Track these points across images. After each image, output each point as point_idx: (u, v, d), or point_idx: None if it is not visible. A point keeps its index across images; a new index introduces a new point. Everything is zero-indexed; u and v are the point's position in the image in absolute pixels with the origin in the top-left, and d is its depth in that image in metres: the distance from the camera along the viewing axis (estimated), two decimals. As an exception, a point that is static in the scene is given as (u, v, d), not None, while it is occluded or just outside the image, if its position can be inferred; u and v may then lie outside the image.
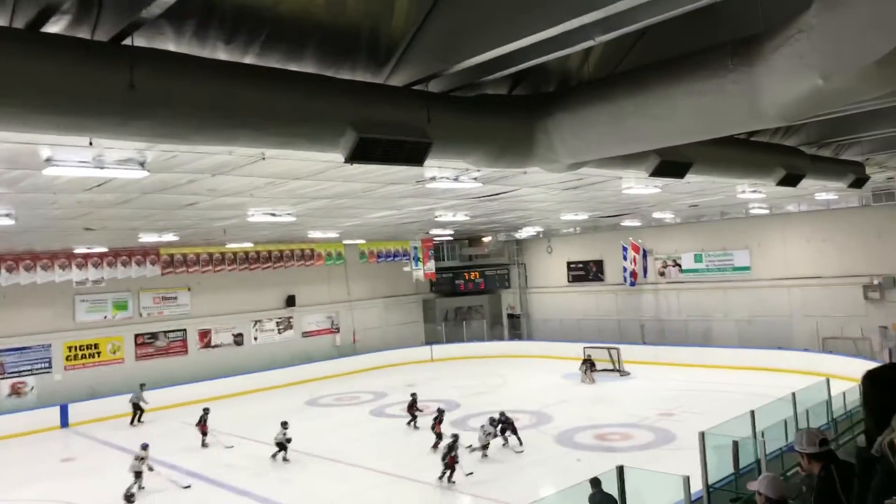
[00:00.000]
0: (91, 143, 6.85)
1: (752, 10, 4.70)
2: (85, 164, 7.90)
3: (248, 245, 27.13)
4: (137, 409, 23.50)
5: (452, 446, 14.74)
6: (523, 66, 5.34)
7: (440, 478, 14.72)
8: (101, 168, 8.07)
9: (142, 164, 8.35)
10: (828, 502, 4.07)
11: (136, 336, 26.99)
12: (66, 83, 4.06)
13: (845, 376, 19.53)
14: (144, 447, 15.72)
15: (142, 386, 24.25)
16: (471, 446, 16.42)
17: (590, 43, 4.74)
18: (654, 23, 4.50)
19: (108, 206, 13.00)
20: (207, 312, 28.87)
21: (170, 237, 20.56)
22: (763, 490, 5.47)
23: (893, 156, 13.35)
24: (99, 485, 16.42)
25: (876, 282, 25.12)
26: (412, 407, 20.73)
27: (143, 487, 15.14)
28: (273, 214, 15.86)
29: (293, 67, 5.24)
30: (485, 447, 16.54)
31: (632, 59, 6.31)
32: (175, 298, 28.07)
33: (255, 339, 30.46)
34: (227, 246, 26.62)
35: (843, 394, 15.19)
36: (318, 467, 16.76)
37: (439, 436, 17.32)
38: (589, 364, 26.37)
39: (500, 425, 17.19)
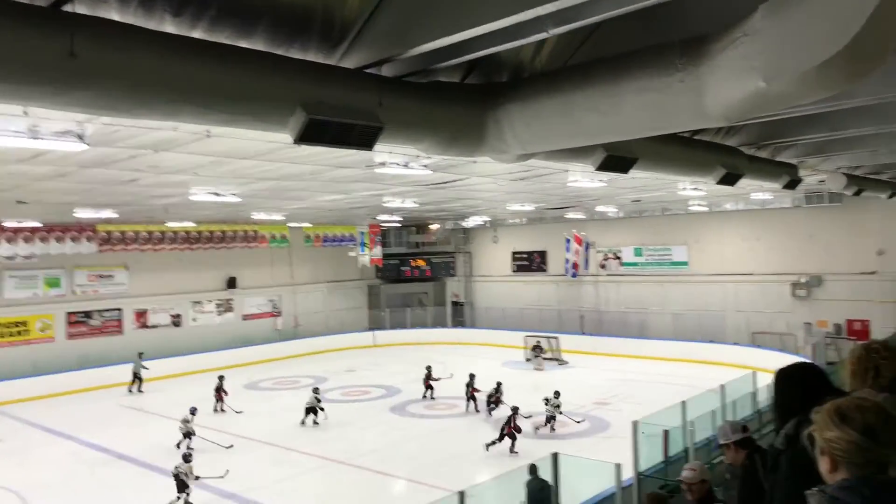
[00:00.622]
0: (26, 113, 6.57)
1: (703, 9, 4.82)
2: (19, 134, 7.56)
3: (189, 224, 26.46)
4: (137, 378, 24.28)
5: (513, 416, 15.93)
6: (477, 55, 5.35)
7: (490, 445, 15.71)
8: (37, 139, 7.74)
9: (80, 137, 8.05)
10: (751, 489, 4.25)
11: (69, 314, 26.07)
12: (2, 48, 3.87)
13: (771, 370, 20.35)
14: (193, 412, 16.81)
15: (140, 354, 24.81)
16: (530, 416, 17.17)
17: (543, 35, 4.78)
18: (608, 18, 4.57)
19: (44, 179, 12.49)
20: (145, 292, 28.09)
21: (108, 213, 19.90)
22: (687, 479, 5.71)
23: (825, 160, 13.92)
24: (25, 466, 15.87)
25: (803, 280, 26.26)
26: (428, 378, 21.78)
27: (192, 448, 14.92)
28: (217, 194, 15.52)
29: (243, 44, 5.12)
30: (550, 419, 17.58)
31: (584, 54, 6.39)
32: (111, 277, 27.20)
33: (194, 320, 29.83)
34: (167, 224, 25.91)
35: (769, 386, 15.84)
36: (255, 451, 16.57)
37: (472, 398, 19.83)
38: (539, 350, 26.77)
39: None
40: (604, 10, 4.38)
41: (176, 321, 29.24)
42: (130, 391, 24.05)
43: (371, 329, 34.93)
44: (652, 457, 11.11)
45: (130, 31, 4.42)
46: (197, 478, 12.99)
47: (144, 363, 24.63)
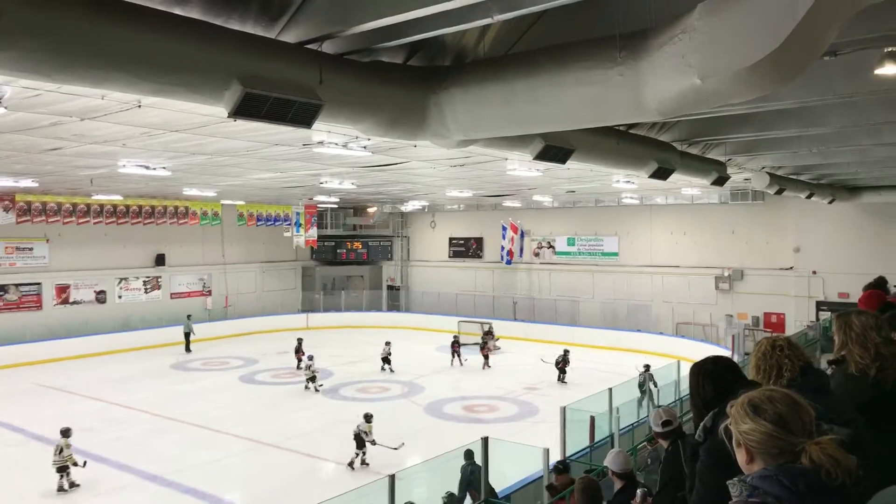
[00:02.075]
0: (-63, 71, 6.14)
1: (644, 4, 4.91)
2: (-72, 94, 7.10)
3: (116, 198, 25.43)
4: (187, 338, 26.82)
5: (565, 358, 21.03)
6: (420, 37, 5.31)
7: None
8: (-52, 100, 7.29)
9: (-2, 100, 7.61)
10: (673, 473, 4.41)
11: (-18, 288, 24.77)
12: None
13: (693, 359, 21.17)
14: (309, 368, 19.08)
15: (189, 317, 27.67)
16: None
17: (487, 20, 4.77)
18: (552, 7, 4.60)
19: (-45, 143, 11.78)
20: (67, 266, 26.90)
21: (28, 183, 18.90)
22: (610, 465, 5.92)
23: (752, 158, 14.49)
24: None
25: (726, 274, 27.37)
26: (455, 344, 24.21)
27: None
28: (146, 167, 14.97)
29: (178, 12, 4.93)
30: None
31: (527, 42, 6.42)
32: (31, 249, 25.94)
33: (120, 297, 28.81)
34: (93, 197, 24.84)
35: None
36: (181, 433, 16.18)
37: (486, 357, 23.67)
38: (490, 336, 26.61)
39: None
40: (548, -1, 4.40)
41: (100, 298, 28.16)
42: (188, 350, 26.64)
43: (304, 311, 34.48)
44: (579, 441, 11.39)
45: (56, -11, 4.18)
46: (373, 442, 13.58)
47: (193, 325, 27.27)
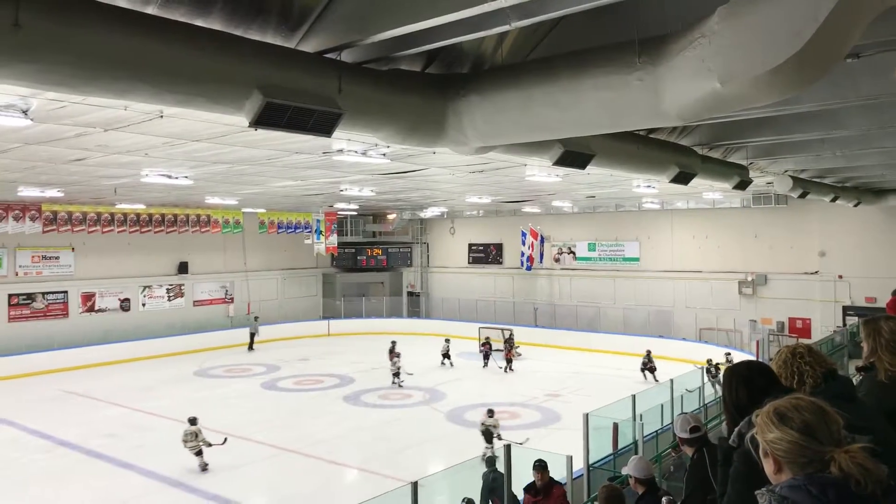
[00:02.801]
0: (-34, 85, 6.28)
1: (662, 9, 4.89)
2: (-42, 107, 7.26)
3: (139, 206, 25.78)
4: (252, 338, 28.89)
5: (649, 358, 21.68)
6: (439, 45, 5.33)
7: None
8: (-23, 112, 7.43)
9: (25, 112, 7.75)
10: (699, 482, 4.36)
11: (10, 296, 25.18)
12: (-60, 15, 3.68)
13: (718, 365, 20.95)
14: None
15: (256, 318, 29.96)
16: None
17: (505, 27, 4.78)
18: (570, 13, 4.59)
19: (-17, 155, 12.01)
20: (92, 275, 27.28)
21: (53, 192, 19.23)
22: (632, 472, 5.87)
23: (774, 162, 14.32)
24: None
25: (750, 278, 27.03)
26: (486, 345, 24.94)
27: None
28: (169, 176, 15.16)
29: (199, 23, 4.99)
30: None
31: (544, 48, 6.42)
32: (57, 258, 26.35)
33: (144, 305, 29.14)
34: (116, 206, 25.19)
35: (717, 382, 16.27)
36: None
37: (509, 361, 24.27)
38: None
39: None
40: (567, 5, 4.40)
41: (124, 305, 28.52)
42: (251, 349, 28.58)
43: (325, 318, 34.65)
44: (602, 449, 11.29)
45: (80, 3, 4.26)
46: (499, 437, 13.86)
47: (259, 326, 29.46)
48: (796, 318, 26.22)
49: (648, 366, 22.17)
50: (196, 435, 13.96)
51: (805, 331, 25.46)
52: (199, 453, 13.95)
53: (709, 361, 18.50)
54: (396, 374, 22.03)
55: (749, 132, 10.89)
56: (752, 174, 14.08)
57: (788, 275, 26.36)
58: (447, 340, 25.16)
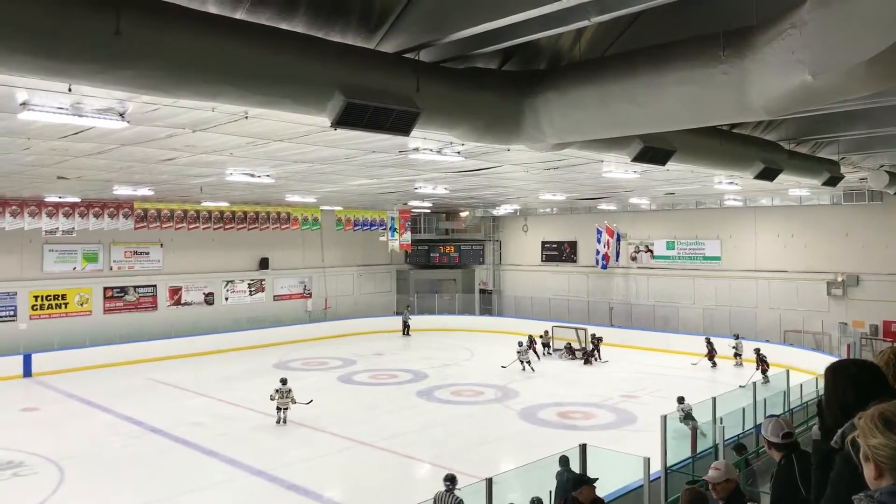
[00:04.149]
0: (70, 90, 6.70)
1: (745, 1, 4.72)
2: (62, 111, 7.73)
3: (223, 204, 26.81)
4: (406, 325, 32.02)
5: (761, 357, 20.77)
6: (516, 42, 5.32)
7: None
8: (80, 116, 7.91)
9: (121, 115, 8.20)
10: (785, 489, 4.20)
11: (105, 289, 26.67)
12: (49, 25, 3.92)
13: (804, 369, 20.05)
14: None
15: (408, 307, 33.38)
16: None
17: (584, 23, 4.73)
18: (649, 7, 4.51)
19: (84, 156, 12.74)
20: (179, 270, 28.60)
21: (145, 191, 20.24)
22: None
23: (868, 157, 13.58)
24: (59, 435, 16.35)
25: (840, 279, 25.70)
26: (531, 343, 25.00)
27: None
28: (252, 175, 15.70)
29: (284, 26, 5.16)
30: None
31: (623, 43, 6.31)
32: (147, 254, 27.75)
33: (226, 299, 30.30)
34: (202, 204, 26.28)
35: (801, 385, 15.60)
36: (282, 430, 16.83)
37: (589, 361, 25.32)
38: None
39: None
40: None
41: (208, 299, 29.74)
42: (406, 334, 31.81)
43: (399, 314, 35.12)
44: (680, 452, 11.03)
45: (175, 10, 4.48)
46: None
47: (411, 316, 32.69)
48: (891, 321, 24.77)
49: (762, 367, 21.51)
50: (288, 392, 16.46)
51: (901, 335, 24.03)
52: (285, 409, 16.32)
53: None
54: (528, 362, 23.98)
55: (841, 126, 10.38)
56: (843, 170, 13.41)
57: (883, 275, 24.93)
58: (530, 338, 25.33)
